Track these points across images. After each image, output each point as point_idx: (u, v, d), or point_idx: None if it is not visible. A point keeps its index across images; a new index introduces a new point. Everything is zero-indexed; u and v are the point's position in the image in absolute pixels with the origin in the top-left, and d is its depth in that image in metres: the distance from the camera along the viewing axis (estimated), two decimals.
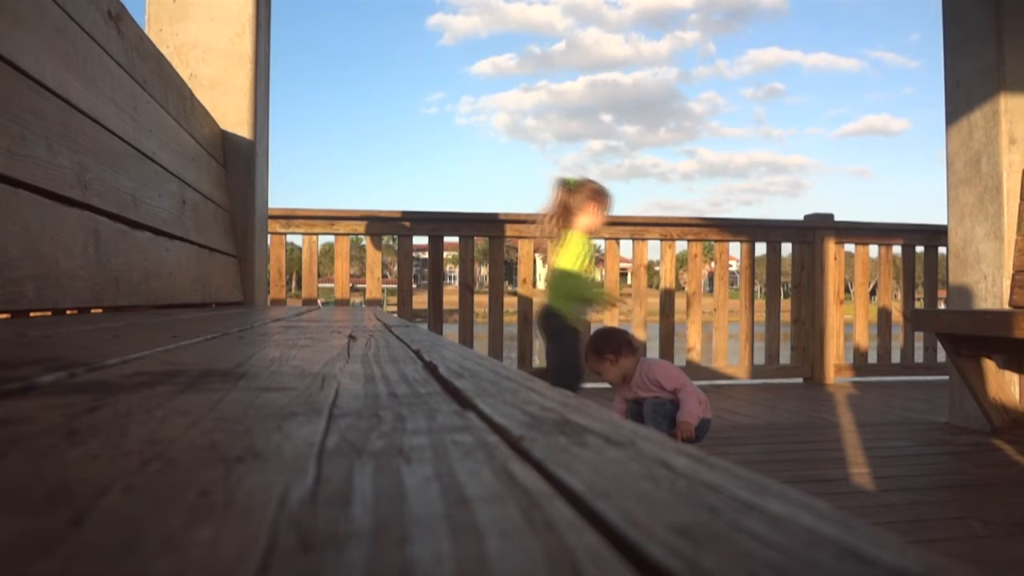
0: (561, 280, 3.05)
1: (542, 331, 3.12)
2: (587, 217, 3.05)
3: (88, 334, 1.01)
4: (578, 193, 3.05)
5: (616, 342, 3.05)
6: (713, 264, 5.32)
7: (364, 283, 4.81)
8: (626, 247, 5.05)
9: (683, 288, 5.08)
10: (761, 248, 5.17)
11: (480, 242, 4.82)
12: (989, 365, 3.10)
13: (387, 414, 0.39)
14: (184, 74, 3.01)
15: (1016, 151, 3.19)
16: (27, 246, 1.31)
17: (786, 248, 5.16)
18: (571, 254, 3.04)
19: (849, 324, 5.23)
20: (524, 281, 4.80)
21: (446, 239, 4.72)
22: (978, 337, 2.97)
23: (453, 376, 0.56)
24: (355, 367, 0.64)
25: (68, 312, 1.66)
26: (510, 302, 4.86)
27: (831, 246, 5.09)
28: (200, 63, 3.30)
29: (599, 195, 3.07)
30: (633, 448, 0.30)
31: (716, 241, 5.15)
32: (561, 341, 3.01)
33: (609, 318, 4.73)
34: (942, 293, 4.77)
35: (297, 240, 4.76)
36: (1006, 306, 3.14)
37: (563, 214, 3.07)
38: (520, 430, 0.34)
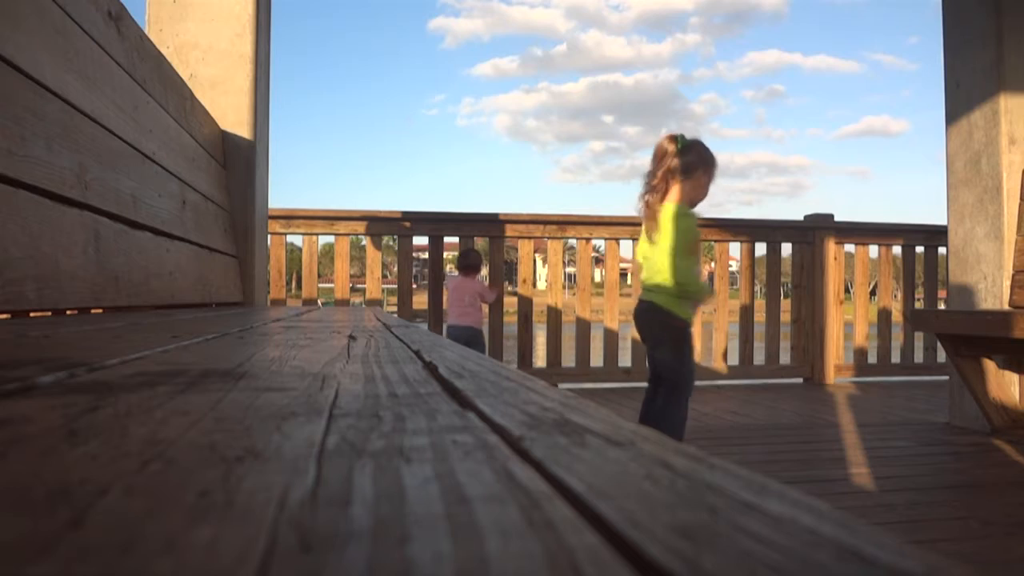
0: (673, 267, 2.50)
1: (651, 333, 2.60)
2: (695, 187, 2.52)
3: (88, 334, 1.01)
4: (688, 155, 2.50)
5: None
6: (713, 264, 5.31)
7: (364, 283, 4.81)
8: (626, 247, 5.05)
9: None
10: (761, 248, 5.18)
11: (480, 242, 4.83)
12: (989, 365, 3.10)
13: (387, 414, 0.39)
14: (184, 74, 3.01)
15: (1016, 151, 3.19)
16: (27, 246, 1.31)
17: (786, 248, 5.16)
18: (681, 233, 2.48)
19: (849, 324, 5.23)
20: (524, 281, 4.80)
21: (446, 239, 4.72)
22: (978, 337, 2.97)
23: (453, 376, 0.56)
24: (355, 367, 0.64)
25: (68, 312, 1.66)
26: (510, 302, 4.86)
27: (831, 246, 5.09)
28: (200, 63, 3.30)
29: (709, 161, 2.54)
30: (633, 448, 0.30)
31: (716, 241, 5.15)
32: (668, 343, 2.56)
33: (609, 318, 4.74)
34: (942, 293, 4.77)
35: (297, 240, 4.76)
36: (1006, 306, 3.14)
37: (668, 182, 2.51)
38: (520, 430, 0.34)
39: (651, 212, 2.54)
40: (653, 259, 2.56)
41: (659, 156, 2.53)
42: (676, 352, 2.53)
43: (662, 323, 2.53)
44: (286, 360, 0.69)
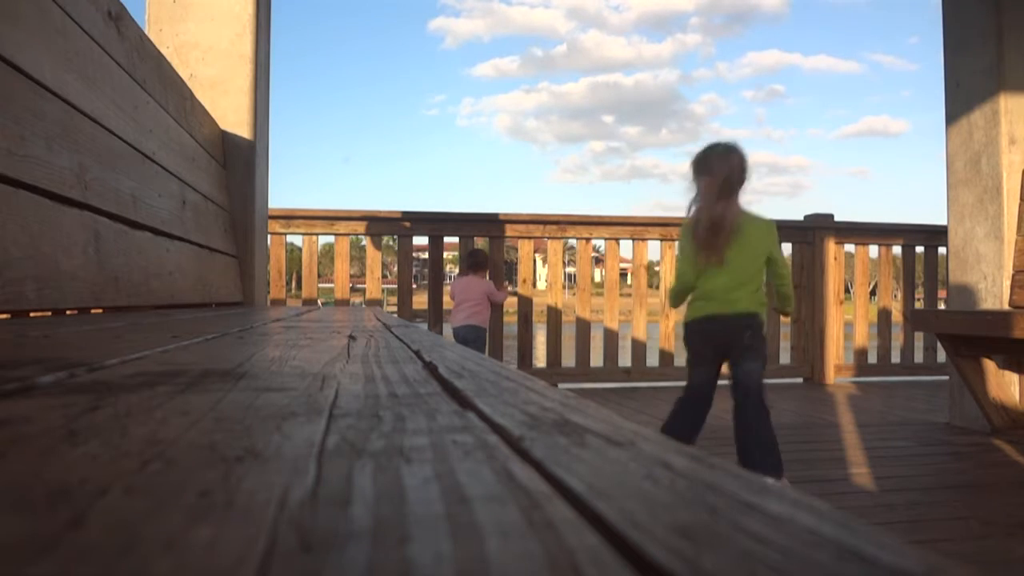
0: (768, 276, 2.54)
1: (746, 343, 2.42)
2: None
3: (88, 334, 1.01)
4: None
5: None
6: None
7: (364, 283, 4.81)
8: (626, 247, 5.05)
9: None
10: None
11: (480, 242, 4.83)
12: (989, 365, 3.10)
13: (387, 414, 0.39)
14: (184, 74, 3.01)
15: (1016, 151, 3.19)
16: (27, 246, 1.31)
17: (786, 248, 5.16)
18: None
19: (849, 324, 5.23)
20: (524, 281, 4.80)
21: (446, 239, 4.72)
22: (978, 337, 2.97)
23: (453, 376, 0.56)
24: (355, 367, 0.64)
25: (68, 312, 1.66)
26: (510, 302, 4.86)
27: (831, 246, 5.09)
28: (200, 63, 3.30)
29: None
30: (633, 448, 0.30)
31: None
32: (763, 352, 2.48)
33: (609, 318, 4.74)
34: (942, 293, 4.77)
35: (297, 240, 4.77)
36: (1006, 306, 3.14)
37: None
38: (520, 430, 0.34)
39: (732, 223, 2.40)
40: (735, 270, 2.43)
41: (732, 166, 2.41)
42: (764, 360, 2.46)
43: (759, 334, 2.44)
44: (286, 360, 0.69)
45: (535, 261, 4.93)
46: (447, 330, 4.72)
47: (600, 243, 5.10)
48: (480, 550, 0.19)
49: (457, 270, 4.78)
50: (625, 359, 4.81)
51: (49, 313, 1.52)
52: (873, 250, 5.27)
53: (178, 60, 3.18)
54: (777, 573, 0.17)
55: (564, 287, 5.08)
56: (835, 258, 5.11)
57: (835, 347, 5.08)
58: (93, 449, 0.30)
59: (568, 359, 4.77)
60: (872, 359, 5.22)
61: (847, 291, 6.17)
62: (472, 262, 4.46)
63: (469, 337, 4.25)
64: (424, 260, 6.21)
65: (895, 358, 5.25)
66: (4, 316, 1.34)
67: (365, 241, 4.73)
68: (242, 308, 2.98)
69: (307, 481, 0.25)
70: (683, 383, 2.57)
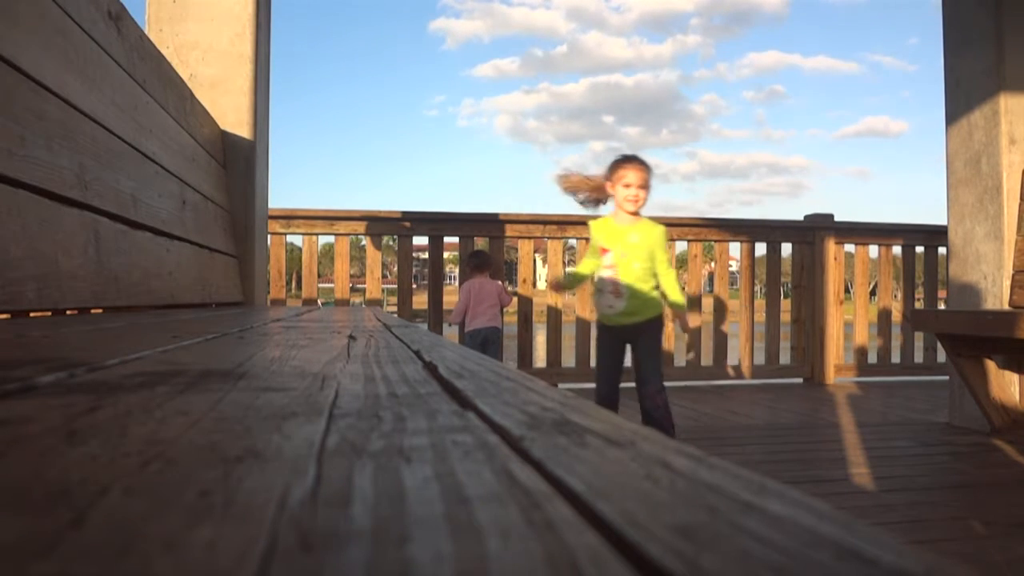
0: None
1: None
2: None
3: (88, 334, 1.01)
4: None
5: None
6: (713, 264, 5.30)
7: (364, 283, 4.81)
8: None
9: (683, 288, 5.08)
10: (761, 248, 5.18)
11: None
12: (989, 365, 3.10)
13: (387, 414, 0.39)
14: (184, 74, 3.01)
15: (1016, 151, 3.19)
16: (27, 246, 1.31)
17: (786, 248, 5.16)
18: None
19: (849, 324, 5.23)
20: (524, 281, 4.80)
21: (446, 239, 4.72)
22: (978, 337, 2.97)
23: (453, 376, 0.56)
24: (355, 367, 0.64)
25: (68, 312, 1.66)
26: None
27: (831, 246, 5.09)
28: (200, 63, 3.30)
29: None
30: (633, 448, 0.30)
31: (716, 241, 5.15)
32: None
33: None
34: (942, 293, 4.77)
35: (297, 240, 4.76)
36: (1006, 306, 3.14)
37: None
38: (520, 430, 0.34)
39: None
40: None
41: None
42: None
43: None
44: (286, 360, 0.69)
45: (535, 261, 4.93)
46: (447, 330, 4.71)
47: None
48: (480, 550, 0.19)
49: (457, 270, 4.77)
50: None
51: (49, 313, 1.52)
52: (873, 250, 5.27)
53: (178, 60, 3.18)
54: (777, 573, 0.17)
55: None
56: (835, 258, 5.11)
57: (835, 347, 5.08)
58: (93, 449, 0.30)
59: (568, 359, 4.77)
60: (872, 359, 5.22)
61: (847, 291, 6.18)
62: (477, 263, 4.41)
63: (491, 338, 4.23)
64: (424, 260, 6.21)
65: (895, 358, 5.25)
66: (4, 316, 1.33)
67: (365, 241, 4.73)
68: (242, 308, 2.98)
69: (307, 481, 0.25)
70: (681, 383, 2.69)
